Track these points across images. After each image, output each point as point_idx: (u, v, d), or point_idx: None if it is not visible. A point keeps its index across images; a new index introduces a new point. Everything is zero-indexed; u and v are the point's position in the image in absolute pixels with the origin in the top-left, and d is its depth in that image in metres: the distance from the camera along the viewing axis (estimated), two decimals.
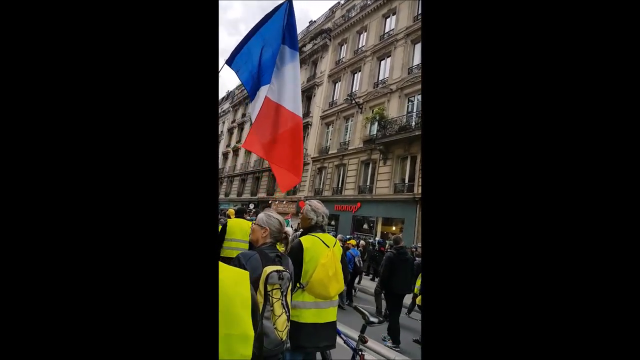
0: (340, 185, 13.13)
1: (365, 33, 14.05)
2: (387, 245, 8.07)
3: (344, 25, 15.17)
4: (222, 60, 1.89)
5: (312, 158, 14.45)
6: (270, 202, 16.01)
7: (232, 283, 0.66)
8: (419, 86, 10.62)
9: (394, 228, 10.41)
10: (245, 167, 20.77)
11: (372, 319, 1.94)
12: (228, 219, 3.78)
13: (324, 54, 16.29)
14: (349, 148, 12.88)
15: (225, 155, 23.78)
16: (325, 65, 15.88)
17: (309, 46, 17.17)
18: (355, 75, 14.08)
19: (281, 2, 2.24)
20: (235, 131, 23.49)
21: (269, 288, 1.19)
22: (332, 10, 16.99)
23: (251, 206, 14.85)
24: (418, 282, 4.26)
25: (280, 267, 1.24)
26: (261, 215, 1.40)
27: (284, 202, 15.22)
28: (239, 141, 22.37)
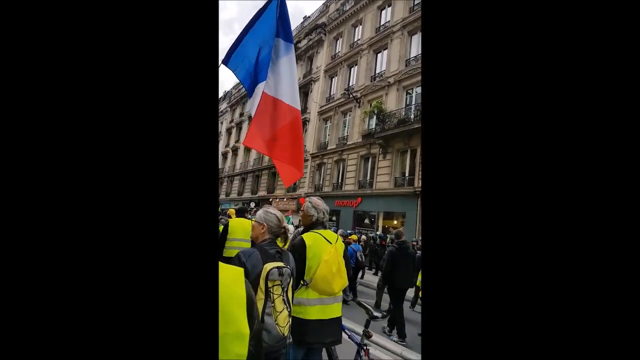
0: (340, 181, 13.13)
1: (361, 26, 13.92)
2: (387, 240, 8.10)
3: (338, 19, 15.02)
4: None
5: (311, 154, 14.42)
6: (271, 200, 16.04)
7: (226, 282, 0.66)
8: (416, 78, 10.56)
9: (395, 222, 10.43)
10: (245, 166, 20.79)
11: (375, 313, 1.95)
12: (229, 219, 3.78)
13: (319, 49, 16.16)
14: (348, 143, 12.85)
15: (225, 155, 23.78)
16: (321, 60, 15.77)
17: (304, 42, 17.04)
18: (352, 69, 13.98)
19: None
20: (234, 131, 23.46)
21: (269, 284, 1.19)
22: (326, 5, 16.81)
23: (252, 205, 14.88)
24: (420, 275, 4.29)
25: (280, 264, 1.25)
26: (259, 212, 1.41)
27: (285, 200, 15.24)
28: (237, 141, 22.35)
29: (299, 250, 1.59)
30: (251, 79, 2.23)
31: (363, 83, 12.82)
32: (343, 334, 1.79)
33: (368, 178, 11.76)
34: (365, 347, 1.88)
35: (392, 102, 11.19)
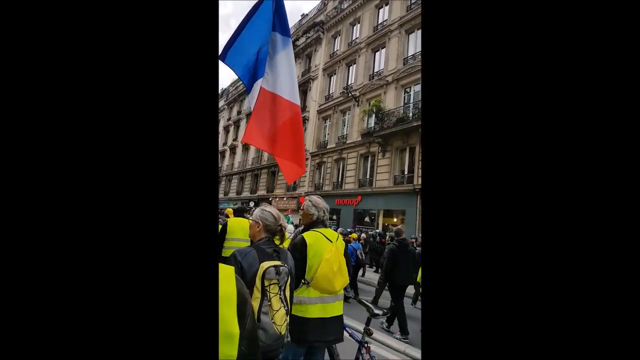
0: (340, 180, 13.13)
1: (359, 24, 13.89)
2: (387, 237, 8.10)
3: (336, 17, 14.98)
4: None
5: (311, 153, 14.41)
6: (270, 199, 16.02)
7: None
8: (414, 77, 10.56)
9: (395, 220, 10.45)
10: (243, 165, 20.74)
11: (376, 311, 1.95)
12: (228, 219, 3.77)
13: (317, 47, 16.13)
14: (348, 142, 12.85)
15: (222, 153, 23.70)
16: (320, 58, 15.73)
17: (302, 40, 16.99)
18: (351, 67, 13.96)
19: None
20: (232, 129, 23.40)
21: (266, 283, 1.19)
22: (324, 3, 16.75)
23: (251, 204, 14.87)
24: (421, 272, 4.30)
25: (277, 262, 1.24)
26: (256, 211, 1.40)
27: (285, 199, 15.24)
28: (235, 139, 22.30)
29: (300, 249, 1.58)
30: (250, 75, 2.21)
31: (361, 82, 12.80)
32: (344, 332, 1.79)
33: (368, 176, 11.77)
34: (366, 345, 1.87)
35: (391, 100, 11.19)
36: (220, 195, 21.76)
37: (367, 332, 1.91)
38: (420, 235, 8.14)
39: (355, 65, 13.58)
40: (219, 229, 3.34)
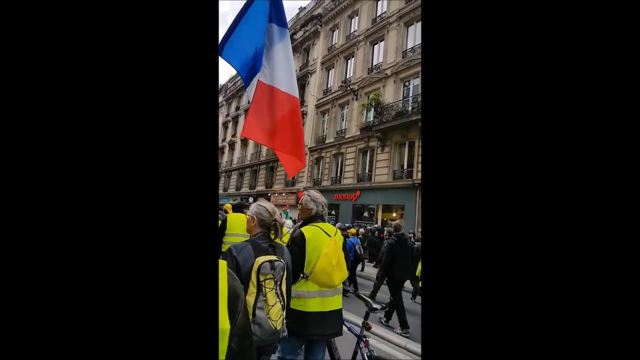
0: (339, 175, 13.11)
1: (357, 17, 13.72)
2: (385, 232, 8.13)
3: (334, 10, 14.79)
4: None
5: (309, 148, 14.37)
6: (269, 194, 16.03)
7: None
8: (414, 70, 10.47)
9: (394, 215, 10.47)
10: (242, 161, 20.71)
11: (374, 305, 1.95)
12: (228, 214, 3.77)
13: (315, 40, 15.95)
14: (346, 136, 12.80)
15: (221, 149, 23.64)
16: (318, 52, 15.58)
17: (299, 34, 16.79)
18: (349, 61, 13.83)
19: None
20: (230, 125, 23.29)
21: (261, 278, 1.18)
22: None
23: (250, 200, 14.87)
24: (420, 266, 4.32)
25: (273, 257, 1.24)
26: (252, 206, 1.40)
27: (284, 194, 15.24)
28: (234, 135, 22.21)
29: (299, 243, 1.58)
30: (247, 69, 2.17)
31: (360, 75, 12.70)
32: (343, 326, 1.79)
33: (367, 171, 11.76)
34: (364, 339, 1.88)
35: (390, 94, 11.11)
36: (220, 191, 21.77)
37: (366, 327, 1.92)
38: (419, 230, 8.17)
39: (353, 58, 13.45)
40: (219, 224, 3.35)
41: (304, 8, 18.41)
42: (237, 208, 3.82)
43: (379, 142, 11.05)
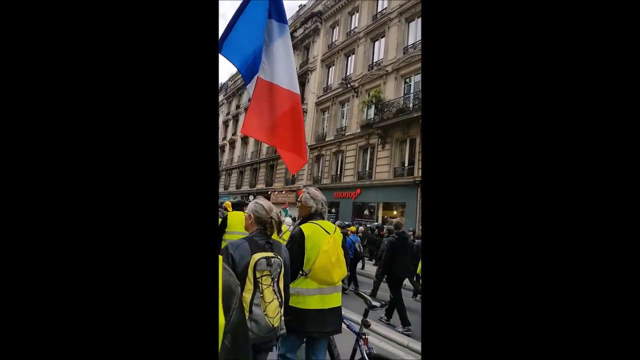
0: (339, 172, 13.09)
1: (357, 14, 13.63)
2: (384, 230, 8.13)
3: (334, 7, 14.70)
4: None
5: (309, 146, 14.34)
6: (269, 192, 16.04)
7: None
8: (414, 66, 10.41)
9: (395, 212, 10.46)
10: (243, 159, 20.72)
11: (374, 302, 1.95)
12: (228, 212, 3.78)
13: (315, 38, 15.88)
14: (347, 134, 12.76)
15: (222, 148, 23.64)
16: (318, 49, 15.50)
17: (300, 31, 16.71)
18: (349, 58, 13.77)
19: None
20: (231, 123, 23.28)
21: (257, 275, 1.18)
22: None
23: (251, 198, 14.88)
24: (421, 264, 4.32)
25: (269, 254, 1.23)
26: (249, 204, 1.41)
27: (283, 192, 15.24)
28: (234, 133, 22.19)
29: (298, 240, 1.58)
30: (247, 67, 2.15)
31: (361, 72, 12.64)
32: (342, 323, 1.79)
33: (367, 169, 11.73)
34: (364, 336, 1.88)
35: (391, 91, 11.05)
36: (221, 189, 21.80)
37: (365, 324, 1.92)
38: (419, 227, 8.17)
39: (354, 55, 13.38)
40: (219, 222, 3.35)
41: (304, 5, 18.30)
42: (237, 206, 3.83)
43: (379, 140, 11.01)
